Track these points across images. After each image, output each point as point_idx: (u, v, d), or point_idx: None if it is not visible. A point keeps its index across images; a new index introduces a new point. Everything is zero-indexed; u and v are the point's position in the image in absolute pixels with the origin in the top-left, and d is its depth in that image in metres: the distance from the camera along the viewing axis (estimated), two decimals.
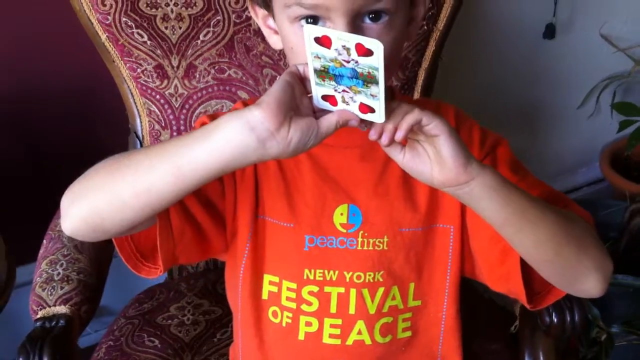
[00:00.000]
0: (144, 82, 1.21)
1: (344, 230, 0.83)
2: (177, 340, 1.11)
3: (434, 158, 0.69)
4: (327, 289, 0.84)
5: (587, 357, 1.38)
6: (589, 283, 0.75)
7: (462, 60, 1.57)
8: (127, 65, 1.20)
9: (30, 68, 1.39)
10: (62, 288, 0.95)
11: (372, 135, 0.69)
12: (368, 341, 0.85)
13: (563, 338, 0.92)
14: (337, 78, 0.67)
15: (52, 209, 1.10)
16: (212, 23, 1.17)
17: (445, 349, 0.89)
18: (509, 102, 1.78)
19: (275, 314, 0.86)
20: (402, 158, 0.70)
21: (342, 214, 0.82)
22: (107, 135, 1.41)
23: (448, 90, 1.40)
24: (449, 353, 0.90)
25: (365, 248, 0.83)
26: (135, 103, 1.24)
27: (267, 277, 0.86)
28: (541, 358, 0.93)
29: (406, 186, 0.83)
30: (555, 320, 0.90)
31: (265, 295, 0.86)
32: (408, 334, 0.86)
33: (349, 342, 0.85)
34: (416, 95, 1.29)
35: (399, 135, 0.67)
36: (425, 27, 1.24)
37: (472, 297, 1.13)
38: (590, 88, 1.84)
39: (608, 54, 1.82)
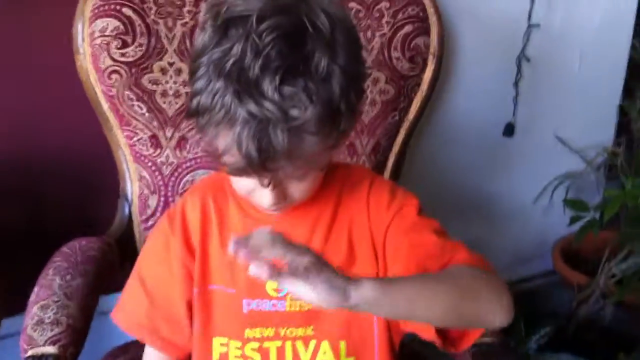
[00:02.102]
0: (138, 150, 1.31)
1: (275, 294, 0.93)
2: None
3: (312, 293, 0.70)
4: (266, 344, 0.94)
5: None
6: (495, 319, 0.82)
7: (427, 151, 1.70)
8: (125, 133, 1.31)
9: (31, 129, 1.48)
10: (51, 330, 1.02)
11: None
12: None
13: None
14: None
15: (41, 264, 1.19)
16: None
17: None
18: (469, 193, 1.88)
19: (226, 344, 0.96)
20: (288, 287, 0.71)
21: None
22: (98, 197, 1.51)
23: (413, 176, 1.52)
24: None
25: (293, 309, 0.94)
26: (128, 168, 1.34)
27: (216, 340, 0.96)
28: None
29: (324, 250, 0.92)
30: None
31: (216, 356, 0.96)
32: None
33: None
34: (386, 175, 1.41)
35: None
36: (397, 117, 1.38)
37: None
38: (545, 184, 1.96)
39: (563, 153, 1.94)
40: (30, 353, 1.00)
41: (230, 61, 0.76)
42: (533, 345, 1.55)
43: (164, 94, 1.29)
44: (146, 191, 1.33)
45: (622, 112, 1.99)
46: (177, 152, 1.31)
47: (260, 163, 0.77)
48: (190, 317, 0.96)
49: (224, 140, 0.79)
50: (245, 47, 0.75)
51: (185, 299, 0.96)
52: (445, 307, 0.79)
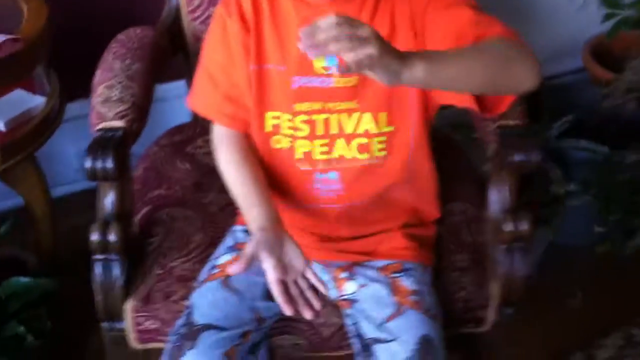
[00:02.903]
0: None
1: (324, 71, 1.03)
2: (205, 166, 1.32)
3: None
4: (314, 116, 1.05)
5: (544, 214, 1.61)
6: (526, 83, 0.92)
7: None
8: None
9: None
10: (118, 107, 1.14)
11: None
12: (348, 155, 1.06)
13: (524, 174, 1.13)
14: None
15: (97, 54, 1.29)
16: None
17: (415, 165, 1.10)
18: None
19: (277, 141, 1.08)
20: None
21: (321, 59, 1.00)
22: None
23: None
24: (420, 169, 1.11)
25: (339, 85, 1.03)
26: None
27: (268, 114, 1.07)
28: (505, 190, 1.14)
29: None
30: (519, 158, 1.11)
31: (269, 128, 1.08)
32: (384, 153, 1.07)
33: (334, 155, 1.06)
34: None
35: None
36: None
37: (451, 153, 1.34)
38: None
39: None
40: (101, 126, 1.12)
41: None
42: (554, 132, 1.65)
43: None
44: None
45: None
46: None
47: None
48: (250, 94, 1.06)
49: None
50: None
51: (246, 77, 1.05)
52: (484, 78, 0.89)
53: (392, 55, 0.79)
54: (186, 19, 1.42)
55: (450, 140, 1.42)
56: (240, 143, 1.10)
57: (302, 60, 1.02)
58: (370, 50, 0.76)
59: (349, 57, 0.76)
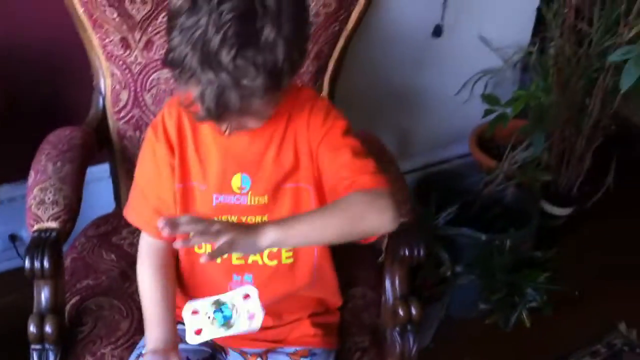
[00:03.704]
0: (110, 50, 1.50)
1: (239, 191, 1.18)
2: (130, 256, 1.44)
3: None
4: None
5: (436, 291, 1.80)
6: (382, 230, 1.10)
7: (365, 52, 1.91)
8: (97, 35, 1.48)
9: (10, 27, 1.65)
10: (52, 209, 1.26)
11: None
12: (260, 262, 1.21)
13: (412, 266, 1.32)
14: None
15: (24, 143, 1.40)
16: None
17: (319, 270, 1.26)
18: (400, 88, 2.12)
19: (200, 247, 1.21)
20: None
21: (237, 180, 1.18)
22: (75, 90, 1.70)
23: (352, 76, 1.75)
24: (323, 272, 1.27)
25: (253, 203, 1.19)
26: (101, 66, 1.52)
27: None
28: (397, 280, 1.33)
29: (277, 158, 1.17)
30: (408, 253, 1.29)
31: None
32: (290, 260, 1.22)
33: (249, 261, 1.21)
34: (327, 78, 1.63)
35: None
36: (338, 27, 1.58)
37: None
38: (466, 79, 2.22)
39: (484, 52, 2.18)
40: (37, 227, 1.24)
41: (198, 32, 0.97)
42: (441, 221, 1.86)
43: (132, 0, 1.45)
44: (118, 86, 1.53)
45: (540, 14, 2.22)
46: (145, 53, 1.50)
47: (217, 116, 1.02)
48: (176, 208, 1.20)
49: (192, 92, 1.01)
50: (209, 21, 0.96)
51: (172, 193, 1.20)
52: (337, 233, 1.06)
53: (244, 233, 0.99)
54: (112, 119, 1.55)
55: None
56: (162, 258, 1.22)
57: (220, 181, 1.18)
58: (224, 238, 0.97)
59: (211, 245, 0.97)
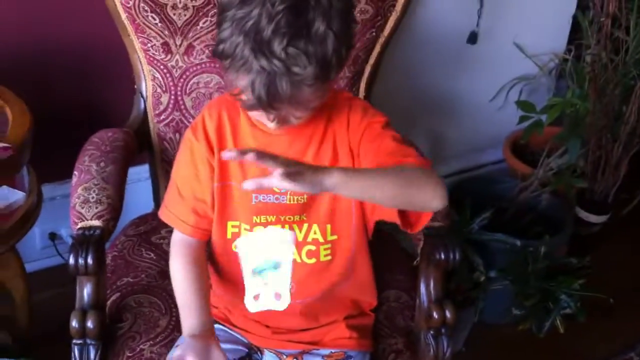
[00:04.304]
0: (152, 55, 1.53)
1: (278, 190, 1.19)
2: (168, 255, 1.46)
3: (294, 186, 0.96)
4: (269, 227, 1.21)
5: (470, 296, 1.81)
6: (433, 203, 1.07)
7: (400, 58, 1.93)
8: (140, 39, 1.52)
9: (51, 31, 1.70)
10: (96, 208, 1.29)
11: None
12: (298, 260, 1.21)
13: (447, 270, 1.33)
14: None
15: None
16: (210, 14, 1.48)
17: (355, 263, 1.27)
18: (435, 94, 2.14)
19: (236, 247, 1.21)
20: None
21: None
22: (115, 93, 1.74)
23: (388, 82, 1.77)
24: (359, 266, 1.28)
25: (292, 202, 1.20)
26: (142, 70, 1.56)
27: (230, 223, 1.24)
28: (432, 283, 1.34)
29: (317, 158, 1.18)
30: (443, 256, 1.30)
31: (229, 235, 1.24)
32: (329, 257, 1.23)
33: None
34: (363, 84, 1.65)
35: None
36: (374, 33, 1.61)
37: (388, 246, 1.53)
38: (501, 86, 2.23)
39: (519, 59, 2.18)
40: (80, 225, 1.27)
41: (250, 22, 1.00)
42: (475, 227, 1.87)
43: (174, 6, 1.48)
44: (159, 90, 1.57)
45: (576, 22, 2.23)
46: (185, 57, 1.53)
47: (267, 104, 1.03)
48: (213, 207, 1.23)
49: (242, 82, 1.04)
50: (262, 12, 0.99)
51: (210, 192, 1.22)
52: (392, 195, 1.05)
53: (312, 168, 0.99)
54: (152, 121, 1.59)
55: (387, 233, 1.61)
56: (194, 253, 1.24)
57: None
58: (294, 168, 0.96)
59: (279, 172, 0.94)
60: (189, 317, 1.19)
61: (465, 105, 2.24)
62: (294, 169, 0.96)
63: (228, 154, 0.98)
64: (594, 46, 1.98)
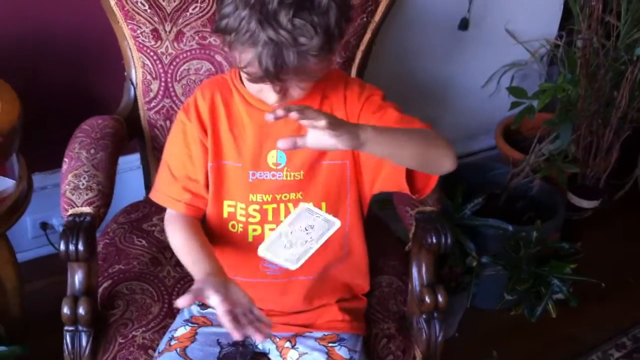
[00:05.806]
0: (141, 41, 1.52)
1: (274, 167, 1.21)
2: (160, 242, 1.47)
3: (334, 139, 0.98)
4: (265, 206, 1.22)
5: (462, 281, 1.81)
6: (447, 163, 1.10)
7: (391, 44, 1.93)
8: (129, 26, 1.51)
9: (43, 20, 1.69)
10: (87, 194, 1.29)
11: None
12: None
13: (439, 254, 1.33)
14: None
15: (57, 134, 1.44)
16: (199, 0, 1.49)
17: (350, 243, 1.28)
18: (427, 80, 2.14)
19: (233, 226, 1.24)
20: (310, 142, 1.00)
21: (272, 157, 1.21)
22: (105, 80, 1.73)
23: (379, 68, 1.77)
24: (354, 247, 1.29)
25: (288, 179, 1.21)
26: (132, 57, 1.55)
27: (226, 202, 1.24)
28: (423, 267, 1.34)
29: None
30: (435, 240, 1.30)
31: (225, 215, 1.24)
32: None
33: None
34: (354, 69, 1.65)
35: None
36: (365, 19, 1.60)
37: (380, 232, 1.53)
38: (492, 72, 2.23)
39: (510, 45, 2.18)
40: (71, 212, 1.27)
41: None
42: (467, 212, 1.87)
43: None
44: (149, 77, 1.56)
45: (567, 8, 2.22)
46: (175, 44, 1.53)
47: (274, 75, 1.05)
48: (207, 186, 1.23)
49: (247, 55, 1.05)
50: None
51: (204, 172, 1.22)
52: (413, 153, 1.07)
53: (346, 122, 1.02)
54: (143, 109, 1.58)
55: (379, 219, 1.61)
56: (189, 222, 1.24)
57: (256, 157, 1.20)
58: (328, 117, 0.96)
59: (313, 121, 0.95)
60: (200, 263, 1.16)
61: (457, 92, 2.24)
62: (337, 120, 0.98)
63: (271, 116, 0.97)
64: (585, 31, 1.98)
